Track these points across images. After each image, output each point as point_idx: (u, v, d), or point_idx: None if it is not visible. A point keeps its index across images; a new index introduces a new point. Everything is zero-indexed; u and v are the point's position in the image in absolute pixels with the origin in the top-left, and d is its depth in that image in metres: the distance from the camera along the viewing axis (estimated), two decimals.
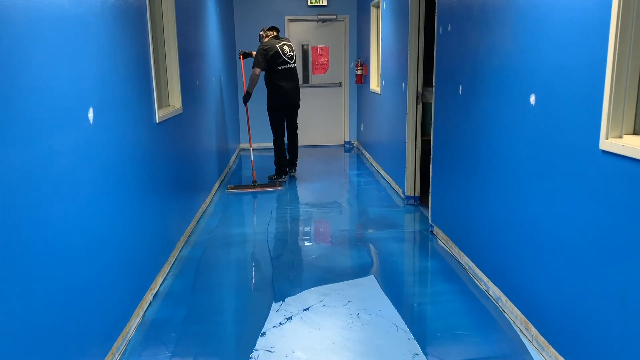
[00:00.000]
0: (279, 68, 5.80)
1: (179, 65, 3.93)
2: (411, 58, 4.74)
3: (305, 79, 8.24)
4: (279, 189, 5.72)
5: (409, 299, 3.09)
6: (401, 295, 3.12)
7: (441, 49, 3.88)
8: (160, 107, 3.56)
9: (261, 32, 6.00)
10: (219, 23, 6.26)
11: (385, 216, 4.65)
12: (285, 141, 6.16)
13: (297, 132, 6.27)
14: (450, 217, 3.75)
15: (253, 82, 5.79)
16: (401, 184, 5.18)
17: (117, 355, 2.40)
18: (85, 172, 2.16)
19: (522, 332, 2.60)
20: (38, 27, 1.80)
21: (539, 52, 2.40)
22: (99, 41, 2.36)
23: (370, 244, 3.96)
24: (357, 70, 7.60)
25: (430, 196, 4.22)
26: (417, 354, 2.45)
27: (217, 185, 5.68)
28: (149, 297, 2.96)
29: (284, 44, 5.85)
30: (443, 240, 3.88)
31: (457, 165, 3.56)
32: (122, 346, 2.48)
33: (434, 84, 4.07)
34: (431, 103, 4.28)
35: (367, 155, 7.32)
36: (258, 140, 8.04)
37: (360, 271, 3.46)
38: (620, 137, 1.87)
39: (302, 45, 8.16)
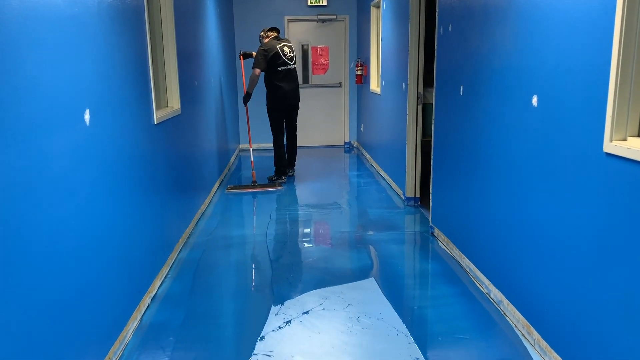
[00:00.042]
0: (279, 69, 5.78)
1: (178, 66, 3.90)
2: (411, 58, 4.71)
3: (305, 79, 8.21)
4: (278, 189, 5.69)
5: (410, 302, 3.06)
6: (402, 298, 3.09)
7: (442, 49, 3.85)
8: (158, 108, 3.53)
9: (262, 33, 5.99)
10: (218, 23, 6.24)
11: (386, 218, 4.62)
12: (285, 142, 6.14)
13: (297, 133, 6.26)
14: (451, 219, 3.72)
15: (253, 82, 5.77)
16: (401, 185, 5.15)
17: None
18: (82, 174, 2.13)
19: (524, 336, 2.57)
20: (33, 28, 1.77)
21: (541, 52, 2.37)
22: (96, 42, 2.33)
23: (370, 246, 3.93)
24: (357, 70, 7.57)
25: (430, 198, 4.19)
26: (417, 359, 2.42)
27: (216, 186, 5.65)
28: (147, 300, 2.93)
29: (284, 45, 5.83)
30: (444, 242, 3.85)
31: (458, 167, 3.54)
32: (120, 350, 2.46)
33: (434, 85, 4.04)
34: (432, 104, 4.25)
35: (367, 155, 7.29)
36: (258, 141, 8.01)
37: (360, 273, 3.43)
38: (625, 139, 1.84)
39: (302, 46, 8.13)
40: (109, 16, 2.50)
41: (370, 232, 4.23)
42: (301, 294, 3.11)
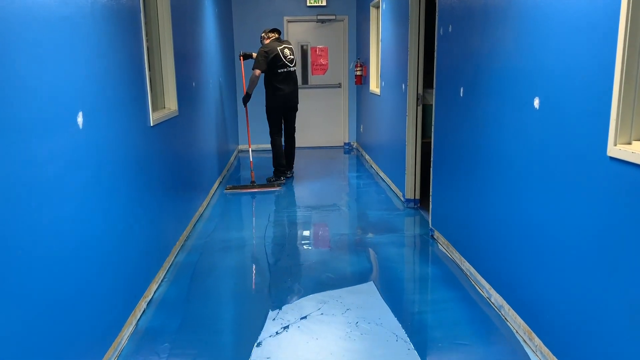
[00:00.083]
0: (279, 71, 5.75)
1: (175, 67, 3.86)
2: (411, 59, 4.67)
3: (305, 80, 8.17)
4: (277, 189, 5.66)
5: (409, 307, 3.01)
6: (401, 303, 3.05)
7: (442, 50, 3.81)
8: (155, 109, 3.49)
9: (263, 34, 5.96)
10: (217, 24, 6.19)
11: (385, 220, 4.57)
12: (282, 143, 6.11)
13: (295, 135, 6.23)
14: (451, 222, 3.68)
15: (253, 83, 5.74)
16: (401, 186, 5.11)
17: None
18: (75, 177, 2.08)
19: (525, 342, 2.53)
20: (23, 29, 1.72)
21: (542, 53, 2.32)
22: (89, 43, 2.28)
23: (369, 249, 3.89)
24: (356, 71, 7.53)
25: (430, 200, 4.14)
26: None
27: (215, 187, 5.61)
28: (142, 304, 2.88)
29: (285, 47, 5.80)
30: (444, 245, 3.81)
31: (459, 168, 3.49)
32: (114, 357, 2.41)
33: (434, 86, 4.00)
34: (431, 105, 4.21)
35: (367, 157, 7.25)
36: (257, 142, 7.97)
37: (359, 277, 3.39)
38: (629, 143, 1.80)
39: (302, 46, 8.09)
40: (103, 17, 2.46)
41: (370, 235, 4.19)
42: (299, 298, 3.07)
